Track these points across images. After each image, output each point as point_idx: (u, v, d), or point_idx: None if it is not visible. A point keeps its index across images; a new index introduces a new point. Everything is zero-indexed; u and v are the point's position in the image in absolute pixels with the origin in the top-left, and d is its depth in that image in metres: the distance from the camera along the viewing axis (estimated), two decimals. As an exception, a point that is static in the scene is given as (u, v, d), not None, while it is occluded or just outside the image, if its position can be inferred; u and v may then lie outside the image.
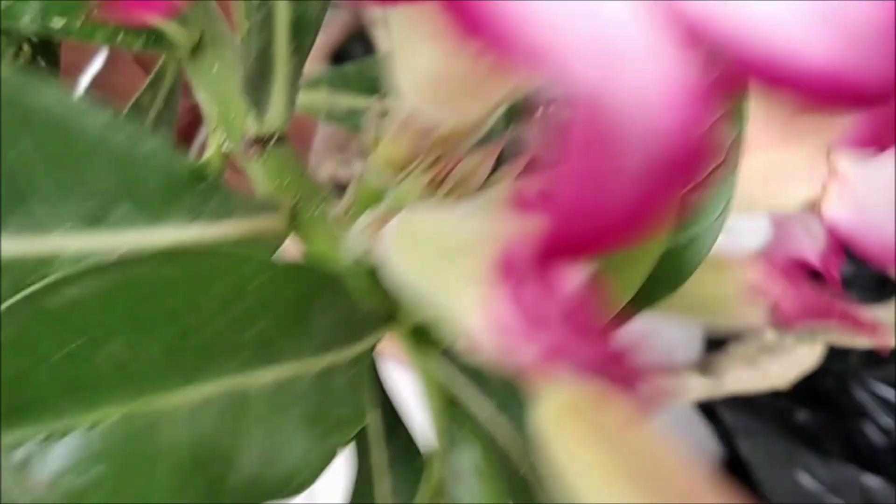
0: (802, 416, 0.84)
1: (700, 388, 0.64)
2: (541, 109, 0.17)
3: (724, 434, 0.88)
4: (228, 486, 0.19)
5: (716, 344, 0.74)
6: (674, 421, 1.05)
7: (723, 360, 0.68)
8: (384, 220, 0.21)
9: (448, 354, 0.25)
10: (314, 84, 0.31)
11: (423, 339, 0.24)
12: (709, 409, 0.89)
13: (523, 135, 0.22)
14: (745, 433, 0.85)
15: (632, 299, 0.20)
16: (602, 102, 0.10)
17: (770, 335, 0.64)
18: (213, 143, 0.24)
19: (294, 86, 0.24)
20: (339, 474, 0.26)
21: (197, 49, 0.23)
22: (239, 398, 0.19)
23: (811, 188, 0.22)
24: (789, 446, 0.82)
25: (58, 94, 0.20)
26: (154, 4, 0.12)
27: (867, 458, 0.80)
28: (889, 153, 0.20)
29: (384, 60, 0.20)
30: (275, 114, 0.23)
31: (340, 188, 0.48)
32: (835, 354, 0.72)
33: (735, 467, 0.87)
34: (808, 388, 0.77)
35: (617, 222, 0.11)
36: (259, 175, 0.24)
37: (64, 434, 0.17)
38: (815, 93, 0.11)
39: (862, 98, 0.11)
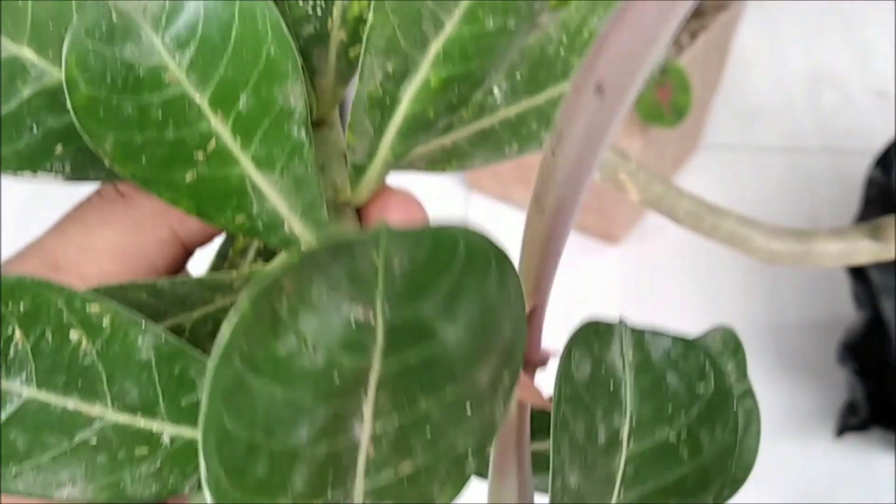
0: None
1: (868, 250, 0.63)
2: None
3: (869, 294, 0.91)
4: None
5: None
6: (818, 279, 1.07)
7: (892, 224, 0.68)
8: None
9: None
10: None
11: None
12: (857, 269, 0.93)
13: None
14: (890, 293, 0.89)
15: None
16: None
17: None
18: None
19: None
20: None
21: None
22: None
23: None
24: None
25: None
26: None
27: None
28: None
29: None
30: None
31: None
32: None
33: (875, 328, 0.92)
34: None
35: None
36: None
37: None
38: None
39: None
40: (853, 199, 1.07)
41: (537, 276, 0.22)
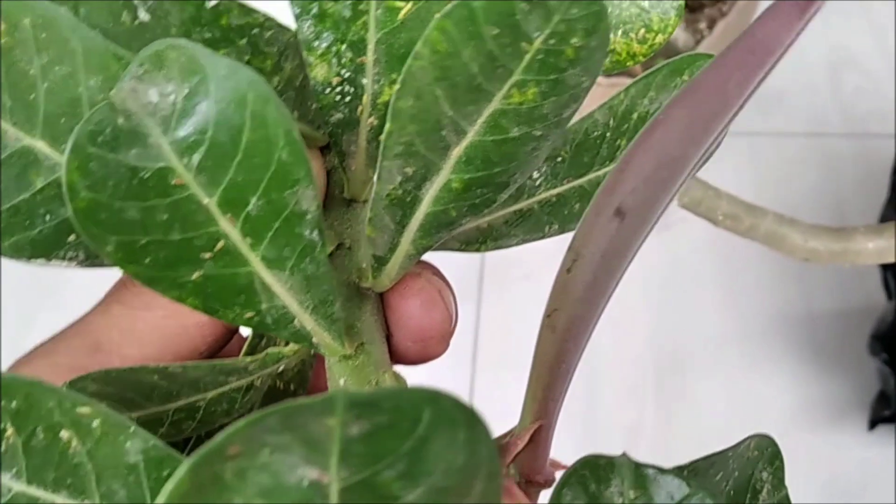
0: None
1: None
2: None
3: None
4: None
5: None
6: (849, 269, 1.07)
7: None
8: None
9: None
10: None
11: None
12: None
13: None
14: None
15: None
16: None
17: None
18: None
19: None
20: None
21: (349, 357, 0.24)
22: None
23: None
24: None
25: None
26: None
27: None
28: None
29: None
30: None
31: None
32: None
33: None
34: None
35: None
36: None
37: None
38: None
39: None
40: (880, 182, 1.06)
41: (545, 395, 0.22)
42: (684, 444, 1.01)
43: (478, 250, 0.27)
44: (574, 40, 0.19)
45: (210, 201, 0.20)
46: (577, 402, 1.04)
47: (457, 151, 0.21)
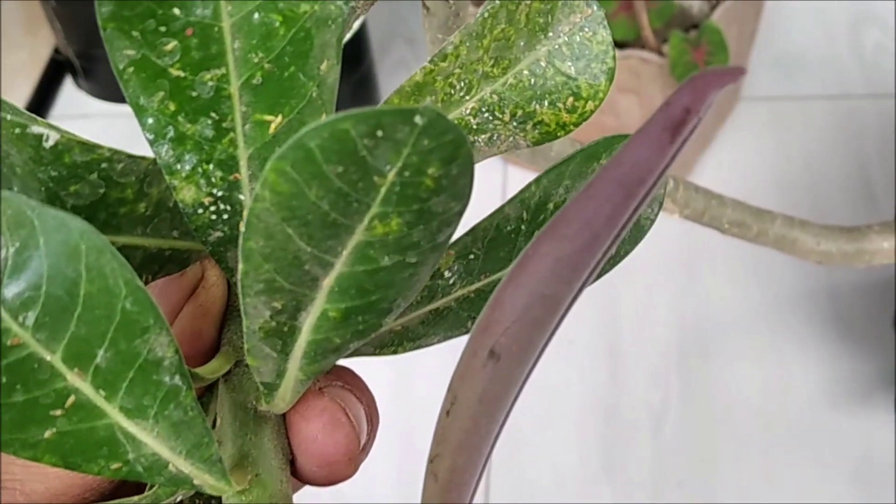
0: None
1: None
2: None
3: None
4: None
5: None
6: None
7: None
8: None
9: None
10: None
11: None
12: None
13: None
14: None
15: None
16: None
17: None
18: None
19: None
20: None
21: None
22: None
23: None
24: None
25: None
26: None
27: None
28: None
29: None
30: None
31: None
32: None
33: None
34: None
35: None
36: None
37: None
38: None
39: None
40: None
41: None
42: (710, 425, 0.99)
43: (394, 353, 0.26)
44: (431, 170, 0.17)
45: (54, 357, 0.19)
46: (602, 385, 1.02)
47: (327, 282, 0.20)
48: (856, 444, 0.95)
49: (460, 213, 0.19)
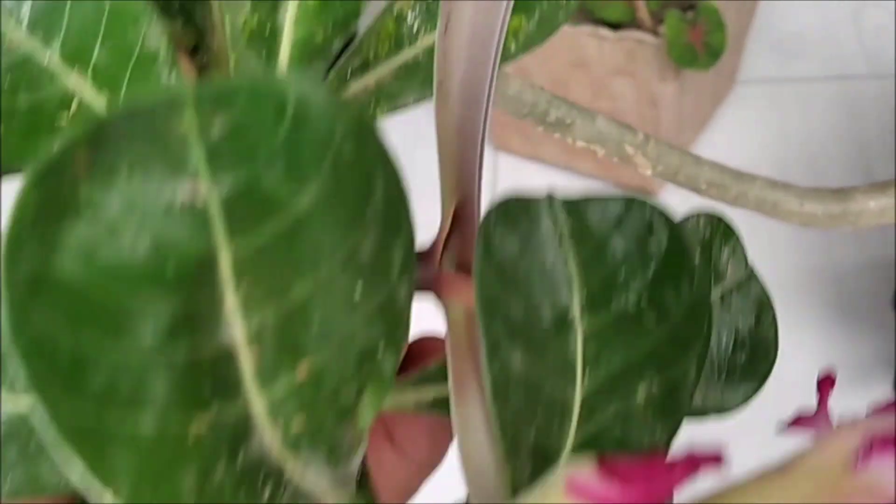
0: None
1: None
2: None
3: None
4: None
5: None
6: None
7: None
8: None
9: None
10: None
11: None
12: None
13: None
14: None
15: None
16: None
17: None
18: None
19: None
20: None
21: None
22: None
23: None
24: None
25: None
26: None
27: None
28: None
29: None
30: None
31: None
32: None
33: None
34: None
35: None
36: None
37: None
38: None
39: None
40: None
41: (459, 166, 0.20)
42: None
43: (373, 116, 0.25)
44: None
45: (52, 56, 0.20)
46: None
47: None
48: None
49: None
